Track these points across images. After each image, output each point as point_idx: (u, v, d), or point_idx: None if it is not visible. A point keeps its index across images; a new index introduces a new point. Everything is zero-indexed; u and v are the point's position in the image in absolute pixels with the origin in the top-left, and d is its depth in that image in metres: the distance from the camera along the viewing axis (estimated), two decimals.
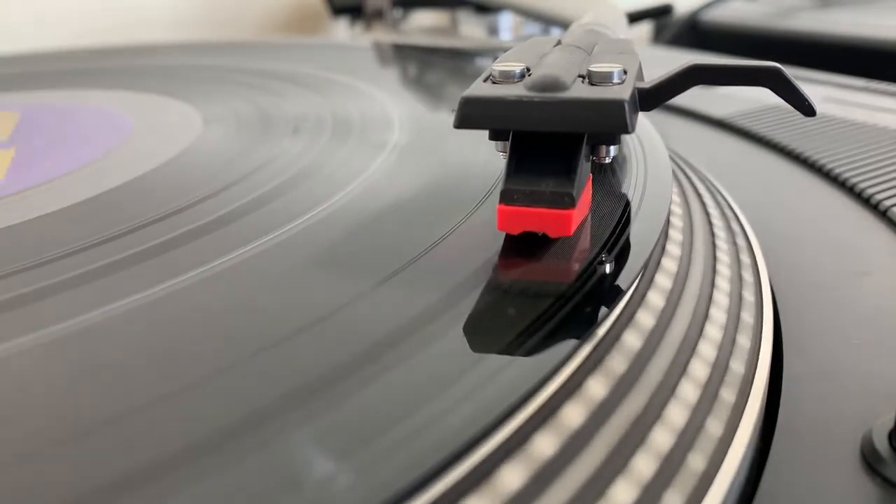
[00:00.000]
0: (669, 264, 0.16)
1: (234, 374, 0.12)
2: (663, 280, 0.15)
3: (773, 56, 0.16)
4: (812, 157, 0.27)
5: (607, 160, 0.16)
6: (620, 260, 0.15)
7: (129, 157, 0.24)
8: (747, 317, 0.16)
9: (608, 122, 0.14)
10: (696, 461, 0.11)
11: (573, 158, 0.14)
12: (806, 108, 0.15)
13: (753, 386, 0.13)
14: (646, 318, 0.14)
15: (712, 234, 0.19)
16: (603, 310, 0.13)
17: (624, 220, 0.16)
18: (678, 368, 0.13)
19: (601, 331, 0.13)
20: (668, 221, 0.17)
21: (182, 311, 0.14)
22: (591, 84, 0.15)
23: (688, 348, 0.14)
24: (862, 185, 0.24)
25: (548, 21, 0.40)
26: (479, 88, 0.15)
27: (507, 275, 0.14)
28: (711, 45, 0.54)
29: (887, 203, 0.23)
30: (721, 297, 0.16)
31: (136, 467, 0.10)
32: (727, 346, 0.14)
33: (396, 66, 0.40)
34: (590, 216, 0.16)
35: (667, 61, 0.17)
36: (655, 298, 0.15)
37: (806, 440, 0.13)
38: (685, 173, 0.23)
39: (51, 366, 0.12)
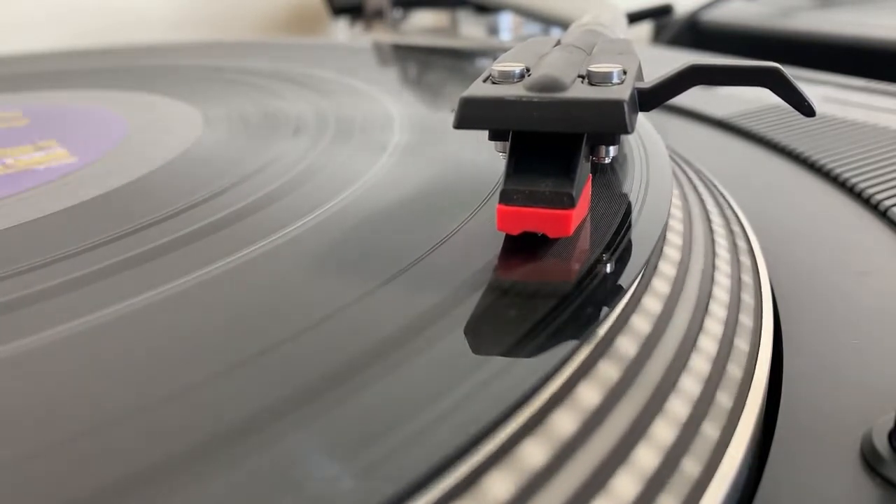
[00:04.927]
0: (669, 264, 0.16)
1: (235, 375, 0.12)
2: (664, 279, 0.15)
3: (772, 56, 0.16)
4: (812, 157, 0.27)
5: (607, 160, 0.16)
6: (621, 260, 0.15)
7: (129, 158, 0.24)
8: (747, 317, 0.16)
9: (607, 123, 0.14)
10: (697, 460, 0.11)
11: (572, 158, 0.14)
12: (805, 109, 0.15)
13: (753, 385, 0.13)
14: (647, 317, 0.14)
15: (712, 234, 0.19)
16: (604, 309, 0.13)
17: (624, 220, 0.16)
18: (678, 367, 0.13)
19: (602, 330, 0.13)
20: (668, 221, 0.17)
21: (184, 313, 0.14)
22: (591, 84, 0.15)
23: (688, 347, 0.14)
24: (862, 185, 0.24)
25: (548, 21, 0.40)
26: (479, 88, 0.15)
27: (506, 275, 0.14)
28: (711, 45, 0.54)
29: (887, 203, 0.23)
30: (721, 297, 0.16)
31: (136, 468, 0.10)
32: (727, 346, 0.14)
33: (396, 66, 0.40)
34: (589, 216, 0.16)
35: (667, 61, 0.17)
36: (656, 297, 0.15)
37: (806, 440, 0.13)
38: (685, 173, 0.23)
39: (51, 367, 0.12)
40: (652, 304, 0.14)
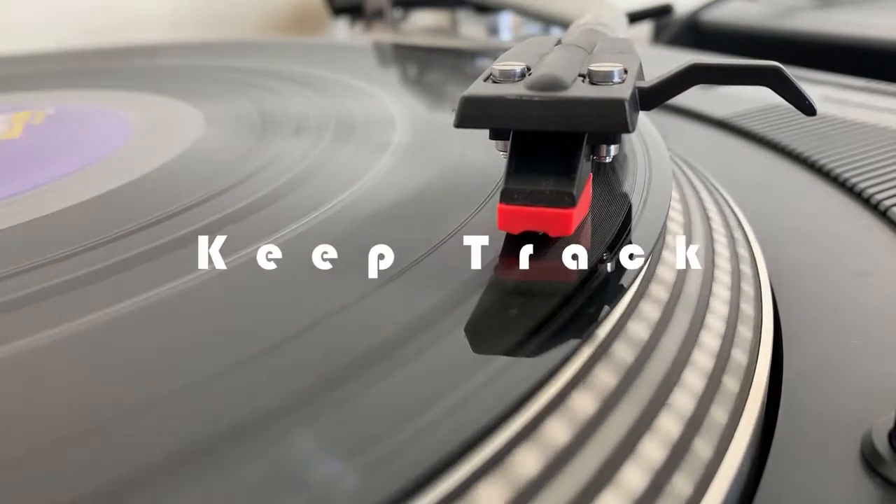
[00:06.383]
0: (668, 266, 0.16)
1: (235, 375, 0.12)
2: (663, 279, 0.15)
3: (773, 56, 0.16)
4: (812, 157, 0.27)
5: (608, 160, 0.16)
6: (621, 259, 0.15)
7: (131, 158, 0.24)
8: (747, 317, 0.16)
9: (608, 122, 0.14)
10: (697, 459, 0.11)
11: (573, 158, 0.14)
12: (806, 108, 0.15)
13: (753, 385, 0.13)
14: (646, 317, 0.14)
15: (711, 234, 0.19)
16: (605, 308, 0.13)
17: (624, 220, 0.16)
18: (679, 367, 0.13)
19: (602, 331, 0.13)
20: (666, 221, 0.17)
21: (184, 312, 0.14)
22: (592, 83, 0.15)
23: (688, 348, 0.14)
24: (862, 185, 0.24)
25: (548, 21, 0.40)
26: (480, 88, 0.15)
27: (507, 275, 0.14)
28: (711, 45, 0.54)
29: (887, 203, 0.23)
30: (721, 297, 0.16)
31: (136, 468, 0.10)
32: (727, 347, 0.14)
33: (396, 66, 0.40)
34: (590, 215, 0.16)
35: (667, 61, 0.17)
36: (655, 297, 0.15)
37: (806, 440, 0.13)
38: (685, 173, 0.23)
39: (50, 366, 0.12)
40: (653, 304, 0.14)
